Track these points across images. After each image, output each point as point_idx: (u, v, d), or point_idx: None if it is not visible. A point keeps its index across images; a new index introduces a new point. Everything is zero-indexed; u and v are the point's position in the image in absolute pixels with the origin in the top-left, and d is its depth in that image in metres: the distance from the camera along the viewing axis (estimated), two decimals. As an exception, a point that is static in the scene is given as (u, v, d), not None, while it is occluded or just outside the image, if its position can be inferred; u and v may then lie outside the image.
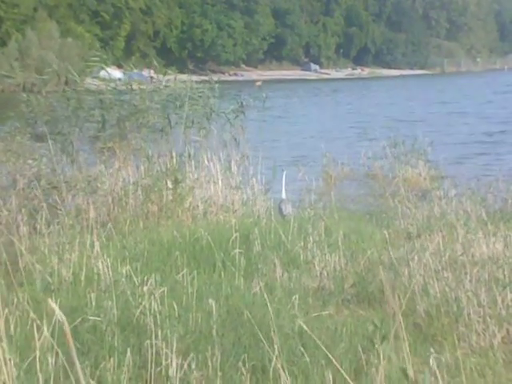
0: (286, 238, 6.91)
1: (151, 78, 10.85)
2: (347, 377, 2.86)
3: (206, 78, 11.06)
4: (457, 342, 4.72)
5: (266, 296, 4.17)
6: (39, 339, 3.39)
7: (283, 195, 9.08)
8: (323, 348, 3.35)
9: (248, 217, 8.25)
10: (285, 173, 9.31)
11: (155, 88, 10.28)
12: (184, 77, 12.40)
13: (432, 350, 4.36)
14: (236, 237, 6.08)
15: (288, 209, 8.85)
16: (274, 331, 3.68)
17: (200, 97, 10.19)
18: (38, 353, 3.25)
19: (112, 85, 9.81)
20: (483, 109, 35.00)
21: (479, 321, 5.03)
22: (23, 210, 7.60)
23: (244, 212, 8.93)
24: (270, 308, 3.85)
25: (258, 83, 53.27)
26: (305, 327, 3.57)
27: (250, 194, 9.66)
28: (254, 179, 9.86)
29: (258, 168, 9.96)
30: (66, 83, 9.44)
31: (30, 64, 53.65)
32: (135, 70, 14.79)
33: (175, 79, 10.83)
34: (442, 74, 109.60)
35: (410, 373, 4.02)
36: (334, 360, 3.21)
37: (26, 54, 56.15)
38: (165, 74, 10.73)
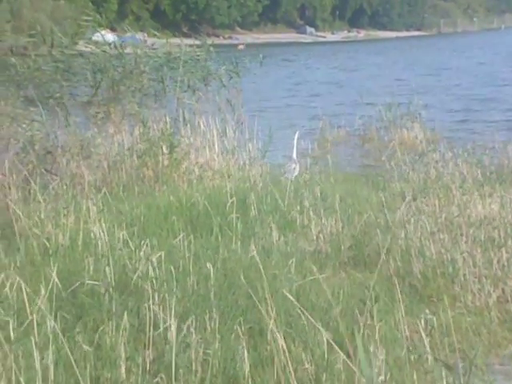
0: (283, 202, 6.91)
1: (145, 41, 10.67)
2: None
3: (198, 42, 10.87)
4: (452, 302, 4.77)
5: (262, 259, 4.17)
6: (37, 303, 3.40)
7: (294, 155, 9.15)
8: (306, 313, 3.36)
9: (244, 181, 8.23)
10: (297, 133, 9.38)
11: (150, 52, 10.13)
12: (177, 40, 12.23)
13: (428, 310, 4.41)
14: (233, 201, 6.07)
15: (296, 168, 8.91)
16: (270, 294, 3.69)
17: (198, 60, 10.06)
18: (35, 316, 3.26)
19: (106, 48, 9.65)
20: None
21: (475, 281, 5.07)
22: (17, 175, 7.55)
23: (240, 177, 8.91)
24: (262, 271, 3.86)
25: (241, 46, 52.83)
26: (290, 297, 3.56)
27: (246, 158, 9.62)
28: (250, 144, 9.80)
29: (254, 132, 9.90)
30: (57, 46, 9.23)
31: (22, 26, 52.76)
32: (129, 34, 14.57)
33: (167, 42, 10.68)
34: (439, 34, 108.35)
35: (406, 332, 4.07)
36: (316, 324, 3.23)
37: (18, 16, 55.14)
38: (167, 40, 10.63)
